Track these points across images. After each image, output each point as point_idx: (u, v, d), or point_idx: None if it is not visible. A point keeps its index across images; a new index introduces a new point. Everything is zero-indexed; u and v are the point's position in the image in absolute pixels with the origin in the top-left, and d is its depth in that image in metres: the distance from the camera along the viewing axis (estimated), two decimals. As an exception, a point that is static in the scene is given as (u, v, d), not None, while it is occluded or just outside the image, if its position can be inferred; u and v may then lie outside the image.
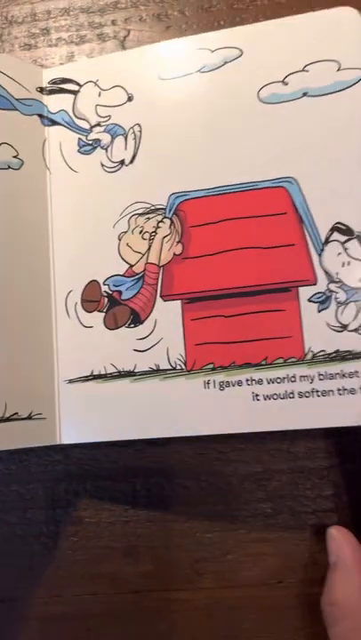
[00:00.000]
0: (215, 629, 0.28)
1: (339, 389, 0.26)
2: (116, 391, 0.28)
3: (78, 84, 0.31)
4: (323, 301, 0.27)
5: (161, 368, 0.28)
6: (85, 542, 0.29)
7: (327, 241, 0.27)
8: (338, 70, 0.28)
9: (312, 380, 0.26)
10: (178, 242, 0.29)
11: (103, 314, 0.29)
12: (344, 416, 0.26)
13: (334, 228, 0.27)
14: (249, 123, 0.29)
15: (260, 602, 0.28)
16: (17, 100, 0.31)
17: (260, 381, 0.27)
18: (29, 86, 0.31)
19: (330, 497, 0.28)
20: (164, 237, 0.29)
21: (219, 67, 0.29)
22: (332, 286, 0.27)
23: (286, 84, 0.29)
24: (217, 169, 0.29)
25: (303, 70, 0.28)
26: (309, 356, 0.27)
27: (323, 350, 0.27)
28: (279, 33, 0.29)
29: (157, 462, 0.30)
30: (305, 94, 0.28)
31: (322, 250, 0.27)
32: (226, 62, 0.29)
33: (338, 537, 0.26)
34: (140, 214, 0.30)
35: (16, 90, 0.31)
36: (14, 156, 0.30)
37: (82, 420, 0.29)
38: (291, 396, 0.27)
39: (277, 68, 0.29)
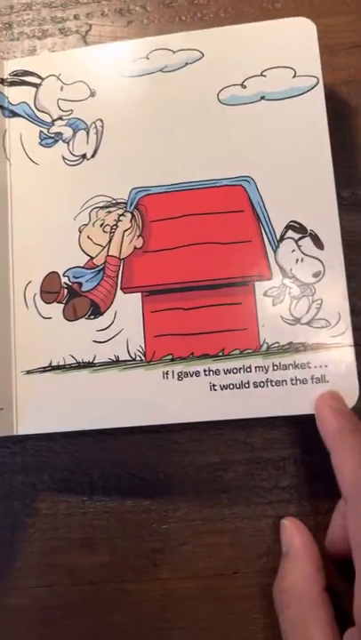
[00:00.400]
0: (171, 621, 0.28)
1: (292, 379, 0.27)
2: (74, 382, 0.29)
3: (40, 77, 0.32)
4: (277, 295, 0.28)
5: (120, 359, 0.28)
6: (42, 534, 0.29)
7: (282, 238, 0.29)
8: (293, 77, 0.29)
9: (267, 370, 0.28)
10: (139, 235, 0.29)
11: (63, 305, 0.29)
12: (297, 405, 0.27)
13: (289, 226, 0.29)
14: (209, 123, 0.30)
15: (215, 592, 0.29)
16: (-23, 89, 0.30)
17: (217, 372, 0.28)
18: (-10, 77, 0.31)
19: (286, 488, 0.29)
20: (125, 231, 0.30)
21: (180, 67, 0.30)
22: (287, 281, 0.28)
23: (245, 87, 0.30)
24: (178, 166, 0.30)
25: (261, 75, 0.30)
26: (264, 347, 0.28)
27: (277, 342, 0.28)
28: (239, 38, 0.30)
29: (115, 453, 0.30)
30: (263, 98, 0.30)
31: (277, 247, 0.29)
32: (187, 63, 0.30)
33: (290, 527, 0.27)
34: (101, 207, 0.30)
35: (-23, 79, 0.30)
36: (-26, 146, 0.30)
37: (39, 410, 0.29)
38: (246, 385, 0.28)
39: (237, 72, 0.30)
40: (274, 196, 0.29)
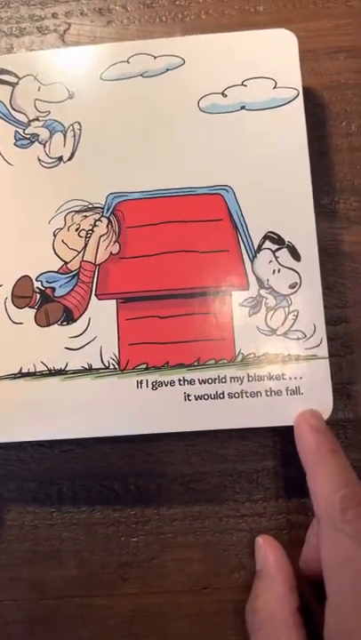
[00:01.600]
0: (138, 637, 0.28)
1: (266, 391, 0.27)
2: (45, 390, 0.28)
3: (17, 76, 0.31)
4: (254, 306, 0.28)
5: (93, 367, 0.28)
6: (7, 546, 0.28)
7: (260, 248, 0.28)
8: (274, 88, 0.29)
9: (242, 381, 0.27)
10: (115, 241, 0.29)
11: (35, 310, 0.29)
12: (271, 417, 0.27)
13: (267, 237, 0.28)
14: (189, 130, 0.30)
15: (184, 608, 0.28)
16: None
17: (192, 382, 0.27)
18: (-35, 73, 0.30)
19: (259, 501, 0.29)
20: (101, 236, 0.29)
21: (161, 73, 0.30)
22: (263, 292, 0.28)
23: (226, 95, 0.30)
24: (156, 172, 0.29)
25: (242, 85, 0.30)
26: (240, 358, 0.28)
27: (252, 353, 0.28)
28: (221, 47, 0.30)
29: (85, 464, 0.29)
30: (243, 107, 0.30)
31: (254, 257, 0.28)
32: (168, 69, 0.30)
33: (264, 546, 0.26)
34: (76, 211, 0.29)
35: None
36: None
37: (8, 419, 0.28)
38: (221, 396, 0.27)
39: (218, 80, 0.30)
40: (252, 206, 0.29)
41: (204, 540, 0.28)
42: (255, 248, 0.28)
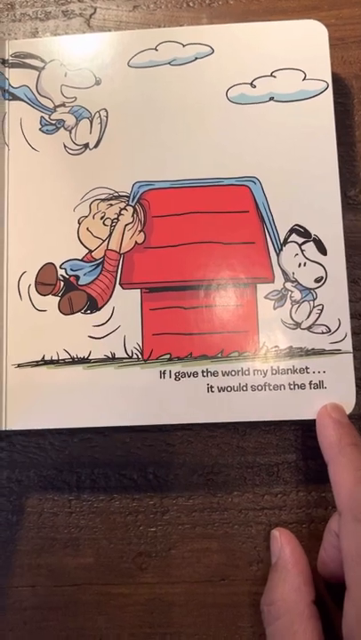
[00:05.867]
0: (155, 626, 0.28)
1: (290, 384, 0.27)
2: (68, 378, 0.28)
3: (43, 60, 0.30)
4: (279, 299, 0.28)
5: (117, 356, 0.28)
6: (26, 532, 0.28)
7: (286, 241, 0.28)
8: (303, 80, 0.29)
9: (265, 374, 0.27)
10: (140, 231, 0.29)
11: (58, 298, 0.28)
12: (294, 411, 0.27)
13: (293, 230, 0.28)
14: (216, 120, 0.29)
15: (201, 599, 0.28)
16: (-22, 69, 0.29)
17: (215, 373, 0.27)
18: (-9, 57, 0.30)
19: (279, 494, 0.29)
20: (126, 225, 0.29)
21: (189, 61, 0.30)
22: (288, 285, 0.28)
23: (254, 86, 0.29)
24: (183, 162, 0.29)
25: (271, 76, 0.29)
26: (263, 350, 0.27)
27: (276, 346, 0.28)
28: (251, 37, 0.30)
29: (104, 452, 0.29)
30: (272, 98, 0.29)
31: (280, 249, 0.28)
32: (197, 58, 0.30)
33: (280, 538, 0.27)
34: (102, 200, 0.29)
35: (-23, 58, 0.29)
36: (-28, 127, 0.28)
37: (30, 406, 0.28)
38: (244, 388, 0.27)
39: (247, 71, 0.30)
40: (279, 199, 0.29)
41: (222, 531, 0.28)
42: (281, 241, 0.28)
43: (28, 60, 0.31)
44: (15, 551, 0.28)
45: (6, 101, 0.30)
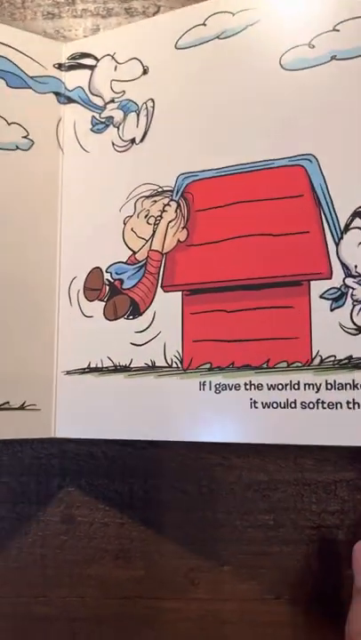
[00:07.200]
0: (205, 643, 0.26)
1: (349, 402, 0.23)
2: (110, 386, 0.27)
3: (96, 58, 0.30)
4: (337, 298, 0.23)
5: (157, 365, 0.26)
6: (76, 542, 0.28)
7: (347, 228, 0.23)
8: (374, 28, 0.24)
9: (318, 389, 0.23)
10: (183, 227, 0.26)
11: (103, 303, 0.28)
12: (353, 435, 0.22)
13: (356, 214, 0.23)
14: (267, 93, 0.26)
15: (255, 617, 0.26)
16: (31, 77, 0.29)
17: (259, 387, 0.24)
18: (46, 63, 0.30)
19: (335, 513, 0.26)
20: (170, 222, 0.27)
21: (239, 31, 0.26)
22: (349, 281, 0.23)
23: (313, 46, 0.25)
24: (230, 146, 0.26)
25: (333, 30, 0.25)
26: (317, 360, 0.23)
27: (333, 355, 0.23)
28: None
29: (157, 464, 0.28)
30: (333, 57, 0.25)
31: (340, 238, 0.24)
32: (248, 26, 0.26)
33: None
34: (146, 197, 0.27)
35: (31, 67, 0.29)
36: (24, 137, 0.29)
37: (77, 414, 0.27)
38: (293, 406, 0.23)
39: (304, 30, 0.25)
40: (340, 178, 0.24)
41: (277, 549, 0.26)
42: (341, 228, 0.24)
43: (82, 60, 0.30)
44: (64, 561, 0.28)
45: (62, 105, 0.30)
